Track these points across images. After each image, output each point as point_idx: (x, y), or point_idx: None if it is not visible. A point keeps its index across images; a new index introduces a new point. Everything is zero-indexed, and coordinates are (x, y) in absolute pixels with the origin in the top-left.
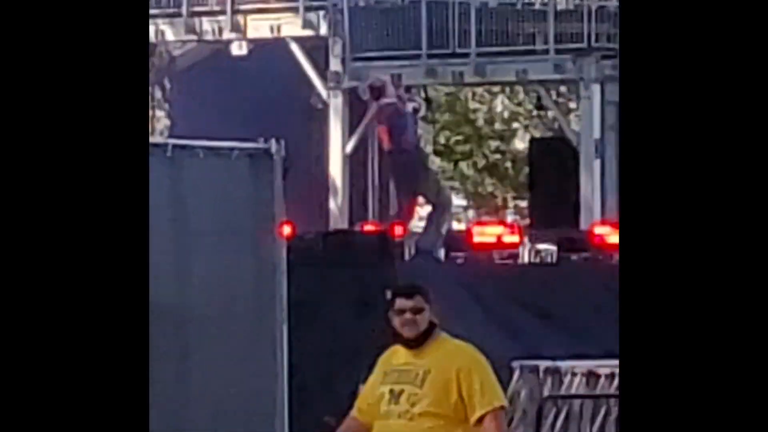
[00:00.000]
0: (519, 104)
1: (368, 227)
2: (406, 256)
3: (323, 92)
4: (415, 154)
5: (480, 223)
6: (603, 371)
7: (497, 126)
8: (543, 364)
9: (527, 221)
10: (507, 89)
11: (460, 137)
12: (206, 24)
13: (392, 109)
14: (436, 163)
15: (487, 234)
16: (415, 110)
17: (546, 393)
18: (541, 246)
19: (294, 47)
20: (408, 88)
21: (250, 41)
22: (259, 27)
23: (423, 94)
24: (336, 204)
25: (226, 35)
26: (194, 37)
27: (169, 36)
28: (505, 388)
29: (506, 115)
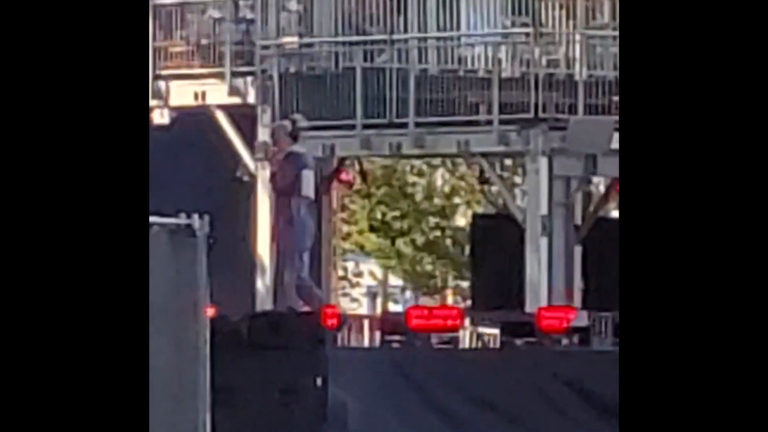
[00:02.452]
0: (461, 178)
1: (299, 309)
2: (339, 341)
3: (250, 164)
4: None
5: (418, 307)
6: None
7: (437, 201)
8: None
9: (468, 303)
10: (448, 162)
11: (397, 212)
12: None
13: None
14: (371, 239)
15: (425, 316)
16: (350, 184)
17: None
18: (483, 330)
19: (220, 115)
20: (342, 160)
21: (173, 109)
22: (182, 93)
23: (358, 167)
24: (263, 284)
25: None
26: None
27: None
28: None
29: (447, 189)
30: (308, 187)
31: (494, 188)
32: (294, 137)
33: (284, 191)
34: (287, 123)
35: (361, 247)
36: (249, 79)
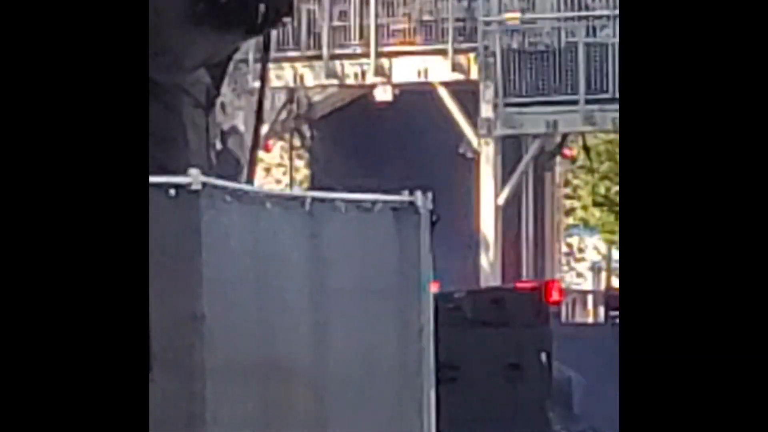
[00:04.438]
0: None
1: (522, 285)
2: (563, 316)
3: (473, 140)
4: None
5: None
6: None
7: None
8: None
9: None
10: None
11: None
12: (348, 67)
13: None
14: (595, 215)
15: None
16: (573, 159)
17: None
18: None
19: (442, 92)
20: (565, 136)
21: (395, 86)
22: (404, 71)
23: (581, 142)
24: (487, 259)
25: (370, 79)
26: (335, 82)
27: (309, 80)
28: None
29: None
30: None
31: None
32: None
33: None
34: None
35: (585, 222)
36: (471, 55)
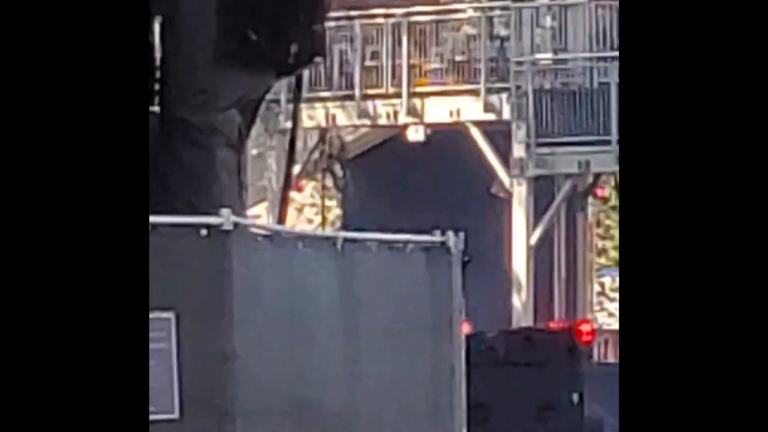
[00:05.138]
0: None
1: (554, 325)
2: (596, 356)
3: (506, 180)
4: None
5: None
6: None
7: None
8: None
9: None
10: None
11: None
12: (381, 107)
13: None
14: None
15: None
16: (605, 199)
17: None
18: None
19: (474, 132)
20: (597, 176)
21: (428, 125)
22: (437, 110)
23: (613, 182)
24: (519, 300)
25: (402, 119)
26: (368, 122)
27: (341, 120)
28: None
29: None
30: None
31: None
32: None
33: None
34: None
35: (618, 262)
36: (504, 95)
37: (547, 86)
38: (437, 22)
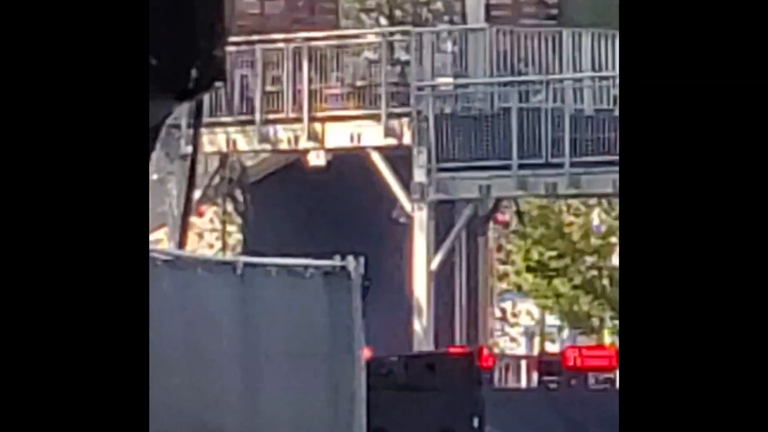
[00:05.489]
0: (617, 217)
1: (455, 350)
2: (496, 381)
3: (407, 205)
4: None
5: (574, 346)
6: None
7: (594, 240)
8: None
9: None
10: (604, 201)
11: (554, 252)
12: (282, 132)
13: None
14: (528, 280)
15: (582, 357)
16: (506, 224)
17: None
18: None
19: (375, 157)
20: (498, 201)
21: (329, 150)
22: (338, 135)
23: (514, 207)
24: (420, 325)
25: (303, 144)
26: (268, 147)
27: (242, 145)
28: None
29: (603, 228)
30: None
31: None
32: None
33: None
34: None
35: (519, 287)
36: (404, 120)
37: (448, 111)
38: (338, 47)
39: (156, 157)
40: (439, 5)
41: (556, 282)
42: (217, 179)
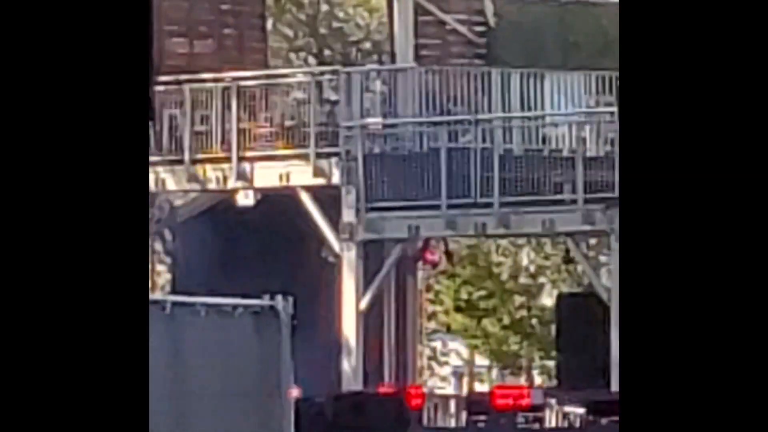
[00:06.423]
0: (546, 257)
1: (384, 390)
2: (425, 421)
3: (335, 244)
4: None
5: (503, 386)
6: None
7: (523, 280)
8: None
9: (554, 382)
10: (533, 241)
11: (483, 292)
12: (210, 172)
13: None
14: (457, 319)
15: (510, 396)
16: (435, 264)
17: None
18: (568, 409)
19: (304, 196)
20: (427, 241)
21: (257, 190)
22: (266, 175)
23: (443, 247)
24: (349, 364)
25: (232, 184)
26: (197, 186)
27: (171, 184)
28: None
29: (532, 268)
30: None
31: (579, 267)
32: None
33: None
34: None
35: (448, 327)
36: (333, 160)
37: (377, 150)
38: (267, 86)
39: None
40: (367, 45)
41: (485, 322)
42: None
